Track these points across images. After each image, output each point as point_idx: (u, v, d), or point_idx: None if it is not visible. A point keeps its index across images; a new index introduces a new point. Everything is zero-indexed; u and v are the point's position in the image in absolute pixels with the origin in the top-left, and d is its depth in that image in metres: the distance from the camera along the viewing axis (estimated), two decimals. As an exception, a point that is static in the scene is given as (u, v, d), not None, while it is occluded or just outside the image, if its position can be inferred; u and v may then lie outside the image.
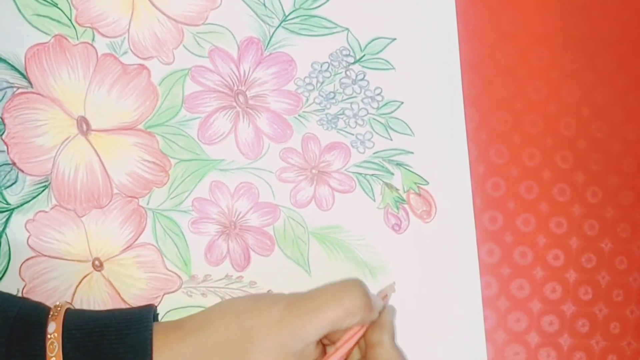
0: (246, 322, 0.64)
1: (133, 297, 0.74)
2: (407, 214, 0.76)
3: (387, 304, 0.71)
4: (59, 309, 0.64)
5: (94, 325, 0.64)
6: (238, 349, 0.63)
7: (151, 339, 0.63)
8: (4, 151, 0.72)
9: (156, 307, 0.72)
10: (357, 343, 0.68)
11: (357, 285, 0.66)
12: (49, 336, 0.62)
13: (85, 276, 0.74)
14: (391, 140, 0.75)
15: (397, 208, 0.75)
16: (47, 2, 0.72)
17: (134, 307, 0.69)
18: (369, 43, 0.75)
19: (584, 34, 0.77)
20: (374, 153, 0.75)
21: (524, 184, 0.76)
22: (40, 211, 0.73)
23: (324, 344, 0.69)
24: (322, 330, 0.64)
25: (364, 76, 0.75)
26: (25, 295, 0.73)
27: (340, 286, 0.66)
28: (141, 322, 0.64)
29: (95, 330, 0.63)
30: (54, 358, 0.61)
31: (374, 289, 0.74)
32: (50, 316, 0.64)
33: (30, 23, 0.72)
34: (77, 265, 0.73)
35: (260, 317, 0.64)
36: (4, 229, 0.72)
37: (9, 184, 0.72)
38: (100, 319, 0.65)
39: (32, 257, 0.73)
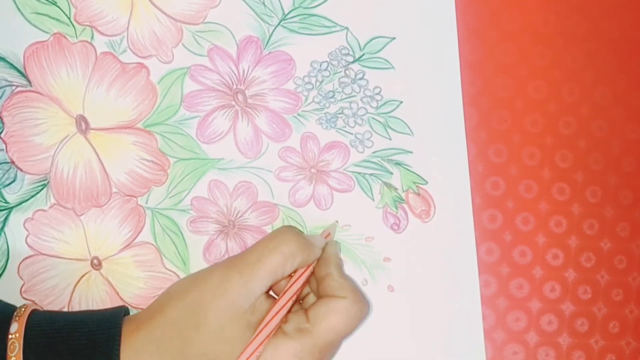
0: (190, 296, 0.65)
1: (131, 296, 0.74)
2: (406, 213, 0.75)
3: (331, 240, 0.73)
4: (22, 309, 0.65)
5: (62, 325, 0.64)
6: (190, 324, 0.64)
7: (120, 336, 0.64)
8: (2, 150, 0.72)
9: (127, 308, 0.72)
10: (306, 284, 0.69)
11: (288, 230, 0.68)
12: (10, 336, 0.62)
13: (83, 275, 0.74)
14: (390, 139, 0.75)
15: (396, 207, 0.75)
16: (46, 0, 0.72)
17: (104, 309, 0.70)
18: (369, 42, 0.75)
19: (584, 33, 0.77)
20: (373, 152, 0.75)
21: (523, 183, 0.76)
22: (38, 210, 0.73)
23: (275, 297, 0.69)
24: (266, 281, 0.65)
25: (363, 75, 0.75)
26: (24, 295, 0.73)
27: (272, 235, 0.68)
28: (111, 321, 0.65)
29: (63, 330, 0.64)
30: (13, 358, 0.62)
31: (374, 289, 0.75)
32: (14, 317, 0.64)
33: (29, 21, 0.72)
34: (75, 264, 0.74)
35: (203, 287, 0.65)
36: (2, 227, 0.72)
37: (7, 182, 0.72)
38: (69, 320, 0.65)
39: (31, 256, 0.73)
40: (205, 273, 0.67)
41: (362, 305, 0.67)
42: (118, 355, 0.63)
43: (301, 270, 0.68)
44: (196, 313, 0.64)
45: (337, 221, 0.75)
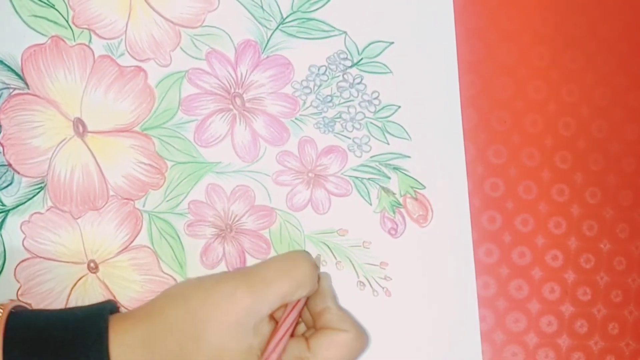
0: (192, 303, 0.64)
1: (128, 299, 0.73)
2: (403, 218, 0.75)
3: (323, 273, 0.73)
4: None
5: (46, 323, 0.64)
6: (191, 331, 0.63)
7: (107, 329, 0.63)
8: (-1, 153, 0.72)
9: (115, 302, 0.72)
10: (301, 313, 0.69)
11: (304, 256, 0.68)
12: None
13: (80, 278, 0.73)
14: (388, 144, 0.75)
15: (394, 212, 0.75)
16: (44, 3, 0.72)
17: (90, 305, 0.69)
18: (367, 46, 0.75)
19: (584, 33, 0.77)
20: (370, 157, 0.75)
21: (522, 184, 0.76)
22: (35, 213, 0.73)
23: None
24: (274, 304, 0.65)
25: (362, 80, 0.75)
26: (20, 297, 0.73)
27: (288, 258, 0.68)
28: (97, 314, 0.65)
29: (47, 328, 0.63)
30: None
31: (371, 293, 0.74)
32: None
33: (27, 24, 0.72)
34: (72, 267, 0.73)
35: (207, 298, 0.64)
36: (-1, 230, 0.73)
37: (4, 185, 0.72)
38: (53, 317, 0.65)
39: (27, 259, 0.73)
40: (211, 282, 0.66)
41: (363, 340, 0.68)
42: (107, 350, 0.62)
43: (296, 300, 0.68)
44: (197, 324, 0.63)
45: (319, 254, 0.75)
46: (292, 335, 0.68)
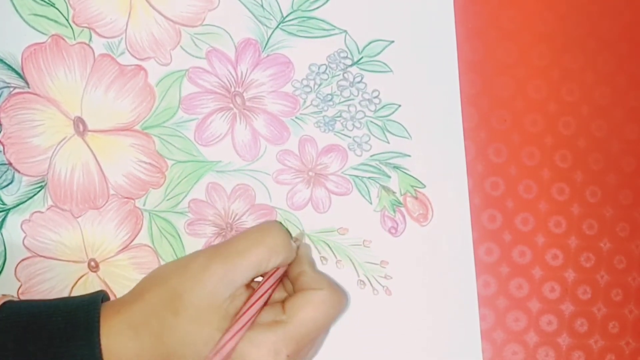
0: (171, 282, 0.64)
1: (129, 298, 0.73)
2: (403, 217, 0.75)
3: (303, 243, 0.72)
4: None
5: (39, 310, 0.64)
6: (169, 309, 0.63)
7: (99, 316, 0.63)
8: (0, 151, 0.72)
9: (106, 292, 0.72)
10: (278, 283, 0.68)
11: (276, 225, 0.67)
12: None
13: (80, 277, 0.73)
14: (388, 143, 0.75)
15: (394, 211, 0.75)
16: (44, 1, 0.72)
17: (83, 294, 0.69)
18: (367, 45, 0.75)
19: (584, 33, 0.77)
20: (371, 156, 0.75)
21: (523, 183, 0.76)
22: (36, 212, 0.73)
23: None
24: (249, 273, 0.64)
25: (362, 78, 0.75)
26: (21, 296, 0.73)
27: (260, 228, 0.67)
28: (89, 303, 0.65)
29: (40, 315, 0.63)
30: None
31: (371, 292, 0.74)
32: None
33: (27, 23, 0.72)
34: (72, 266, 0.73)
35: (184, 273, 0.64)
36: (-1, 229, 0.73)
37: (5, 184, 0.72)
38: (46, 305, 0.65)
39: (28, 258, 0.73)
40: (187, 259, 0.66)
41: (339, 296, 0.66)
42: (98, 337, 0.62)
43: (274, 268, 0.67)
44: (175, 299, 0.63)
45: (303, 231, 0.75)
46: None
